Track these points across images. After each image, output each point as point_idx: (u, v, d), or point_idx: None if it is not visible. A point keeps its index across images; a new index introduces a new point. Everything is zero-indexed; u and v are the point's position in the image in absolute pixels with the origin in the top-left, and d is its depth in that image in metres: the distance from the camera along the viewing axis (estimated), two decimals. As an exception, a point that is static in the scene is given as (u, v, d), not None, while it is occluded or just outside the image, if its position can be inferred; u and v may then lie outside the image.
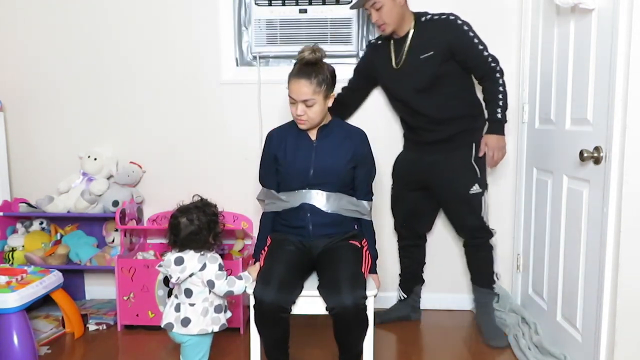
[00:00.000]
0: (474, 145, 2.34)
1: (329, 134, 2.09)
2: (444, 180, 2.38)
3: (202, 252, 1.85)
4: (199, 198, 1.97)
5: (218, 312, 1.88)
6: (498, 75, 2.25)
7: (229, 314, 1.95)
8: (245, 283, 1.85)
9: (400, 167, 2.56)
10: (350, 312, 1.77)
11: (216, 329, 1.87)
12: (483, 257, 2.46)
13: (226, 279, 1.84)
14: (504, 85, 2.26)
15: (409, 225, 2.59)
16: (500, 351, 2.30)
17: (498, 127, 2.29)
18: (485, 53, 2.25)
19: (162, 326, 1.88)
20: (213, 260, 1.85)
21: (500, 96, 2.25)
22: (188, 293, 1.84)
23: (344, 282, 1.79)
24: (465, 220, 2.41)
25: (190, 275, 1.82)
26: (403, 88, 2.37)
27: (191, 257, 1.84)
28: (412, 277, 2.67)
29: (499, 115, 2.26)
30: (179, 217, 1.88)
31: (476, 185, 2.34)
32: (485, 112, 2.32)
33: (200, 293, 1.84)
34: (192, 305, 1.84)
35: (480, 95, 2.35)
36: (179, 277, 1.82)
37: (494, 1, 2.59)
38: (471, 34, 2.25)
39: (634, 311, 1.71)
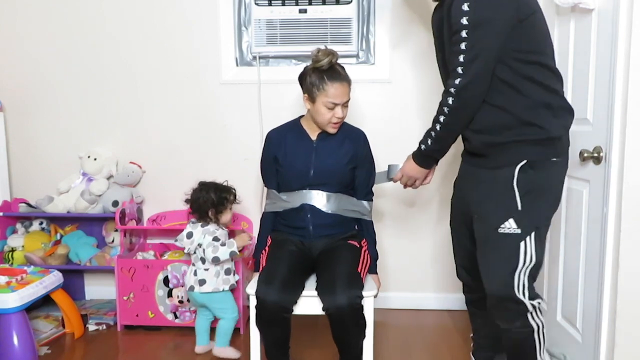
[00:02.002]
0: (519, 165, 1.58)
1: (329, 135, 2.09)
2: (472, 210, 1.71)
3: (203, 225, 2.23)
4: (226, 182, 2.33)
5: (228, 274, 2.28)
6: (445, 94, 1.59)
7: (237, 276, 2.35)
8: (228, 249, 2.20)
9: (454, 186, 1.93)
10: (345, 313, 1.77)
11: (227, 288, 2.26)
12: (514, 345, 1.67)
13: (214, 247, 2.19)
14: (446, 106, 1.58)
15: (474, 271, 1.76)
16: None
17: (416, 154, 1.78)
18: (461, 59, 1.53)
19: (186, 290, 2.29)
20: (210, 233, 2.22)
21: (435, 117, 1.64)
22: (203, 260, 2.22)
23: (339, 282, 1.79)
24: (488, 274, 1.65)
25: (199, 246, 2.20)
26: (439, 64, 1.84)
27: (198, 231, 2.22)
28: (490, 343, 1.97)
29: (421, 144, 1.73)
30: (197, 188, 2.28)
31: (511, 221, 1.58)
32: (535, 120, 1.58)
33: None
34: (206, 269, 2.22)
35: (545, 93, 1.57)
36: (189, 248, 2.22)
37: (494, 1, 2.58)
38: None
39: (634, 311, 1.71)
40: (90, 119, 2.83)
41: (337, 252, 1.97)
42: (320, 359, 2.25)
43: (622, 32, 1.66)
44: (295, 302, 1.83)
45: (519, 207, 1.58)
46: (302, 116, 2.16)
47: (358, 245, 2.05)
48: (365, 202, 2.13)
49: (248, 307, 1.88)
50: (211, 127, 2.79)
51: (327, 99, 1.95)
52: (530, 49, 1.54)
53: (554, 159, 1.60)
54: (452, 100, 1.56)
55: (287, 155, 2.08)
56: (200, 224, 2.24)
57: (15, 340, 2.08)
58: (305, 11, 2.61)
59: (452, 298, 2.78)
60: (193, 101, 2.78)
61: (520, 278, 1.59)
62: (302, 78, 2.03)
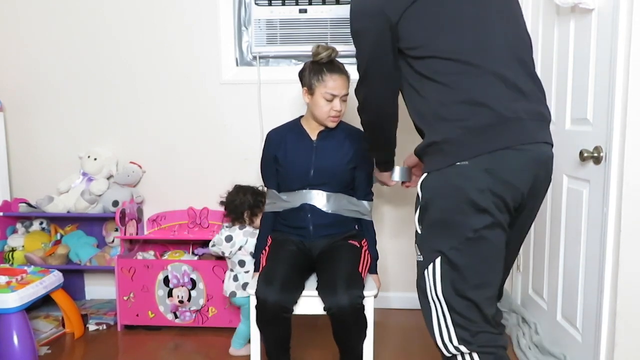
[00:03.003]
0: (420, 180, 1.33)
1: (329, 135, 2.09)
2: None
3: (241, 227, 2.27)
4: (260, 188, 2.34)
5: None
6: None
7: None
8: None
9: None
10: (347, 313, 1.77)
11: None
12: None
13: None
14: (361, 122, 1.56)
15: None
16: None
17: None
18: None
19: (227, 295, 2.28)
20: (252, 234, 2.25)
21: None
22: (242, 263, 2.24)
23: (340, 282, 1.80)
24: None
25: (240, 249, 2.23)
26: None
27: (237, 234, 2.24)
28: None
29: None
30: (233, 190, 2.34)
31: (416, 246, 1.35)
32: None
33: (251, 261, 2.22)
34: (246, 272, 2.23)
35: (440, 90, 1.30)
36: (230, 252, 2.23)
37: (494, 1, 2.59)
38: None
39: (634, 311, 1.71)
40: (90, 118, 2.83)
41: (338, 252, 1.97)
42: (321, 359, 2.25)
43: (622, 32, 1.66)
44: (296, 302, 1.83)
45: (419, 230, 1.33)
46: (302, 116, 2.16)
47: (358, 245, 2.05)
48: (365, 202, 2.13)
49: (248, 307, 1.89)
50: (211, 127, 2.79)
51: (325, 90, 1.97)
52: (419, 44, 1.31)
53: (447, 167, 1.25)
54: (361, 115, 1.53)
55: (287, 155, 2.08)
56: (237, 226, 2.27)
57: (15, 340, 2.08)
58: (305, 11, 2.61)
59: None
60: (193, 101, 2.78)
61: (441, 324, 1.30)
62: (301, 73, 2.06)
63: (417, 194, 1.33)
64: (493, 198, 1.21)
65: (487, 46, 1.28)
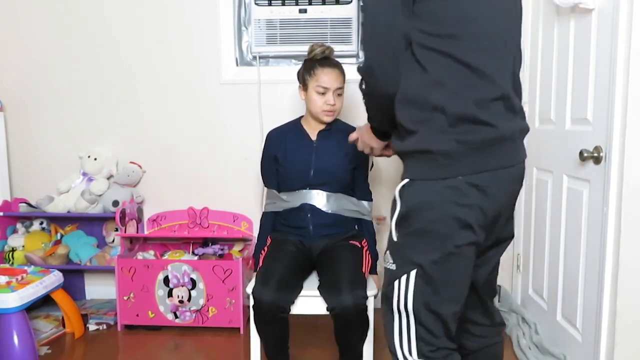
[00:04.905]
0: (401, 184, 1.26)
1: (329, 135, 2.09)
2: None
3: None
4: None
5: None
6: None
7: None
8: None
9: None
10: (350, 313, 1.77)
11: None
12: None
13: None
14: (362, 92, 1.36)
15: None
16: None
17: None
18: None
19: None
20: None
21: None
22: None
23: (344, 283, 1.80)
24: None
25: None
26: None
27: None
28: None
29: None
30: None
31: (388, 253, 1.28)
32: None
33: None
34: None
35: (440, 93, 1.19)
36: None
37: (494, 1, 2.58)
38: None
39: (634, 311, 1.71)
40: (90, 118, 2.83)
41: (339, 252, 1.97)
42: (320, 359, 2.25)
43: (622, 32, 1.66)
44: (293, 302, 1.83)
45: (395, 237, 1.26)
46: (302, 116, 2.16)
47: (359, 246, 2.05)
48: (365, 202, 2.13)
49: (248, 307, 1.89)
50: (211, 127, 2.79)
51: (317, 83, 1.99)
52: (434, 31, 1.17)
53: (438, 179, 1.19)
54: (361, 85, 1.34)
55: (287, 155, 2.08)
56: None
57: (16, 340, 2.08)
58: (305, 11, 2.61)
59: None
60: (193, 101, 2.78)
61: (403, 335, 1.25)
62: (298, 72, 2.08)
63: (395, 199, 1.25)
64: (479, 215, 1.18)
65: (501, 57, 1.22)
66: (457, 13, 1.17)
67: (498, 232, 1.31)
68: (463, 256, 1.20)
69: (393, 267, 1.25)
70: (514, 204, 1.34)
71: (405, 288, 1.22)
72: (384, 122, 1.36)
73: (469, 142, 1.17)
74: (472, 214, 1.18)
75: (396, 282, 1.23)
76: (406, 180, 1.24)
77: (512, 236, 1.41)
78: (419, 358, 1.23)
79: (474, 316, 1.41)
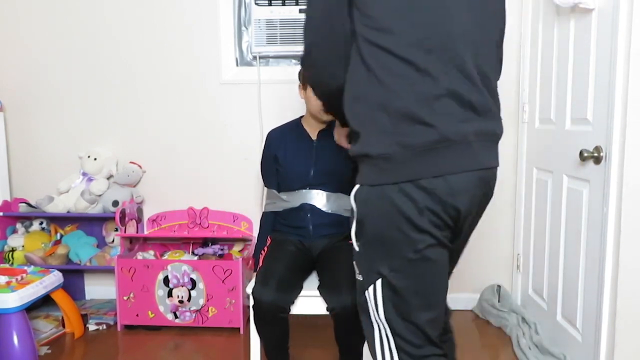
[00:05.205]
0: (354, 191, 1.22)
1: (329, 134, 2.09)
2: None
3: None
4: None
5: None
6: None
7: None
8: None
9: None
10: (350, 313, 1.76)
11: None
12: None
13: None
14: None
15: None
16: (500, 351, 2.30)
17: None
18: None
19: None
20: None
21: None
22: None
23: (344, 283, 1.79)
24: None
25: None
26: None
27: None
28: None
29: None
30: None
31: (355, 264, 1.26)
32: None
33: None
34: None
35: (380, 91, 1.13)
36: None
37: (494, 1, 2.58)
38: None
39: (634, 311, 1.71)
40: (90, 118, 2.83)
41: (339, 252, 1.97)
42: (320, 359, 2.25)
43: (622, 32, 1.66)
44: (292, 302, 1.83)
45: (356, 247, 1.22)
46: (303, 116, 2.16)
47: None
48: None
49: (248, 307, 1.88)
50: (211, 127, 2.78)
51: None
52: (372, 24, 1.12)
53: (383, 185, 1.13)
54: (300, 76, 1.32)
55: (287, 155, 2.08)
56: None
57: (16, 340, 2.08)
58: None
59: (452, 298, 2.77)
60: (193, 101, 2.78)
61: (384, 347, 1.21)
62: (299, 71, 2.08)
63: (352, 207, 1.20)
64: (432, 217, 1.11)
65: (448, 50, 1.10)
66: (393, 4, 1.10)
67: (465, 231, 1.24)
68: (429, 260, 1.14)
69: (360, 277, 1.21)
70: (484, 206, 1.24)
71: (375, 298, 1.18)
72: (339, 115, 1.31)
73: (410, 145, 1.09)
74: (423, 217, 1.11)
75: (366, 293, 1.19)
76: (357, 186, 1.19)
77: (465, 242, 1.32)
78: None
79: None
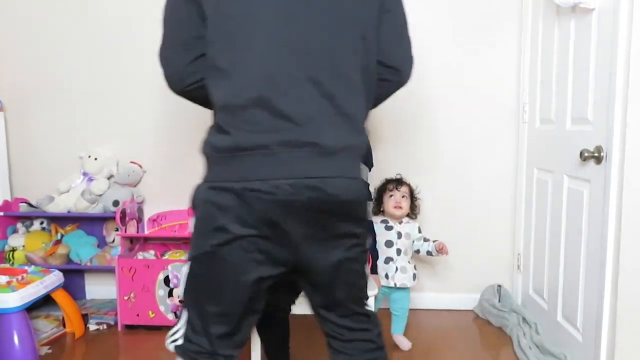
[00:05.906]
0: None
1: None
2: None
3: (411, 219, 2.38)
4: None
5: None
6: None
7: None
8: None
9: None
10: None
11: None
12: None
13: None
14: None
15: None
16: (501, 351, 2.30)
17: None
18: None
19: (397, 286, 2.30)
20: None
21: None
22: (407, 252, 2.33)
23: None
24: None
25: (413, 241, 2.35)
26: None
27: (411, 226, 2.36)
28: None
29: None
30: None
31: None
32: None
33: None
34: (409, 262, 2.33)
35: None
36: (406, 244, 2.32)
37: (494, 1, 2.58)
38: None
39: (634, 311, 1.71)
40: (90, 118, 2.83)
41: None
42: (320, 359, 2.25)
43: (622, 32, 1.66)
44: (293, 302, 1.83)
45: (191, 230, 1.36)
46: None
47: (359, 245, 2.04)
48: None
49: (248, 307, 1.88)
50: (211, 127, 2.78)
51: None
52: (205, 33, 1.21)
53: (203, 181, 1.28)
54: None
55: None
56: (405, 220, 2.36)
57: (16, 340, 2.08)
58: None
59: (452, 298, 2.78)
60: (193, 101, 2.77)
61: (180, 320, 1.33)
62: None
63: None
64: (235, 219, 1.17)
65: (264, 56, 1.15)
66: (214, 11, 1.17)
67: (303, 256, 1.24)
68: (221, 257, 1.20)
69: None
70: (323, 221, 1.22)
71: (184, 278, 1.30)
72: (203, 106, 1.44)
73: (217, 148, 1.20)
74: (226, 216, 1.17)
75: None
76: None
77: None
78: (170, 344, 1.30)
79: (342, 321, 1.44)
